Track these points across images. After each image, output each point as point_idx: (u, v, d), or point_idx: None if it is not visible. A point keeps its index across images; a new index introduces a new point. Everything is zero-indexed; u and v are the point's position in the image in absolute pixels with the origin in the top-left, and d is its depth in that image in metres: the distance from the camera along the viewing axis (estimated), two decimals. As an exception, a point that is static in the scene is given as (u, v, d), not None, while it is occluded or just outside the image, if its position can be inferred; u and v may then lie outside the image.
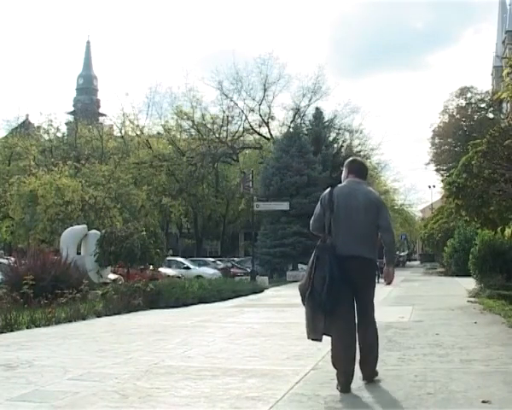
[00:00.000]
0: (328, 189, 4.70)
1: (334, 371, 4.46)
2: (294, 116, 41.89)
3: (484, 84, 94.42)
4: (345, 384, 4.39)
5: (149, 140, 40.79)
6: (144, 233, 16.96)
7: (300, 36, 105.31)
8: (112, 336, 8.07)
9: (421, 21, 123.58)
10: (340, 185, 4.76)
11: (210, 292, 14.82)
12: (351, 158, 5.08)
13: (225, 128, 41.75)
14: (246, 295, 16.60)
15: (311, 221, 4.78)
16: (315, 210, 4.73)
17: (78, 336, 8.09)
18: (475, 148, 11.32)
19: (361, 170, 4.89)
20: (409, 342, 6.80)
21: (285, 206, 28.34)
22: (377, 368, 4.68)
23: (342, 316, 4.36)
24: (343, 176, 4.89)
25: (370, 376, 4.64)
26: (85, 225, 20.04)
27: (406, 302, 11.42)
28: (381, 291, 9.92)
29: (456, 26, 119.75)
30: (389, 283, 4.72)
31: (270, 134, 42.35)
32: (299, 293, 4.47)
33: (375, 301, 4.69)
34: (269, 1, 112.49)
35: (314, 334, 4.43)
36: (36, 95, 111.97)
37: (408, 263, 59.06)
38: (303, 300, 4.45)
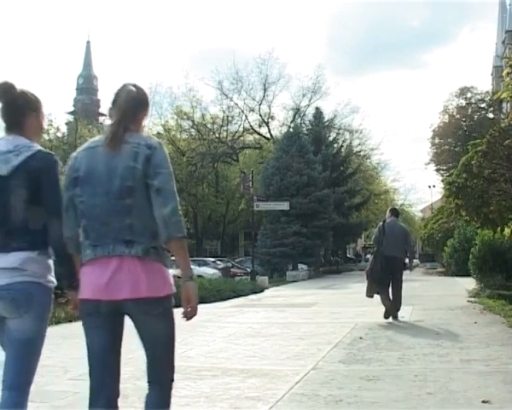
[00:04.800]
0: (381, 223, 9.56)
1: (334, 371, 5.26)
2: (294, 116, 41.93)
3: (484, 84, 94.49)
4: (387, 314, 8.99)
5: (149, 140, 40.74)
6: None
7: (298, 35, 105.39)
8: (112, 336, 8.07)
9: (417, 20, 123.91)
10: (386, 221, 9.39)
11: (210, 292, 14.79)
12: (391, 207, 10.89)
13: (225, 128, 41.77)
14: (246, 295, 16.59)
15: (372, 238, 10.10)
16: (375, 233, 9.75)
17: (78, 336, 8.00)
18: (475, 148, 11.32)
19: (397, 214, 9.84)
20: (409, 342, 6.80)
21: (285, 206, 28.33)
22: (377, 367, 5.33)
23: (385, 285, 9.07)
24: (387, 216, 9.65)
25: (395, 315, 9.08)
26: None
27: (406, 302, 11.34)
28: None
29: (453, 24, 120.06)
30: (411, 270, 10.24)
31: (270, 134, 42.38)
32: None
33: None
34: (267, 0, 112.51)
35: (370, 293, 9.24)
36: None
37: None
38: (367, 277, 9.24)
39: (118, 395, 2.39)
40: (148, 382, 2.38)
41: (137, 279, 2.25)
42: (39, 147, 2.60)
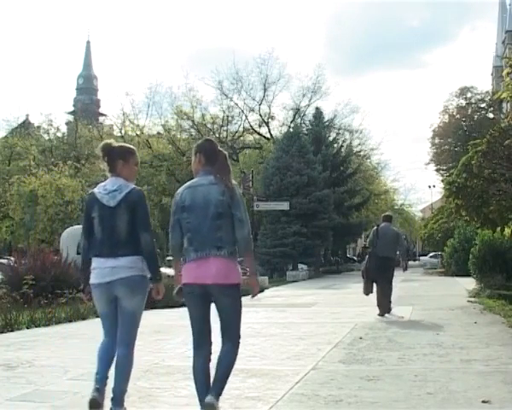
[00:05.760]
0: (375, 227, 10.30)
1: (334, 371, 5.24)
2: (294, 116, 41.92)
3: (484, 84, 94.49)
4: (381, 313, 9.55)
5: (149, 140, 40.76)
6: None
7: (298, 35, 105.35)
8: (112, 336, 8.06)
9: (416, 19, 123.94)
10: (380, 226, 10.12)
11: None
12: (384, 214, 10.92)
13: (225, 128, 41.77)
14: (246, 295, 16.57)
15: (367, 241, 10.95)
16: (369, 237, 10.60)
17: (78, 336, 8.08)
18: (475, 148, 11.33)
19: (390, 220, 10.42)
20: (409, 342, 6.80)
21: (285, 206, 28.34)
22: (377, 367, 5.35)
23: (378, 283, 9.73)
24: (381, 221, 10.43)
25: (384, 311, 9.57)
26: (85, 225, 19.98)
27: (406, 302, 11.40)
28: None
29: (453, 24, 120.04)
30: (405, 269, 10.44)
31: (270, 134, 42.37)
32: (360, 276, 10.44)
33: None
34: (267, 0, 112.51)
35: (367, 291, 9.93)
36: (36, 95, 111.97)
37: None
38: (363, 276, 9.96)
39: (210, 351, 3.59)
40: (222, 339, 3.52)
41: (222, 271, 3.45)
42: (133, 185, 3.78)
